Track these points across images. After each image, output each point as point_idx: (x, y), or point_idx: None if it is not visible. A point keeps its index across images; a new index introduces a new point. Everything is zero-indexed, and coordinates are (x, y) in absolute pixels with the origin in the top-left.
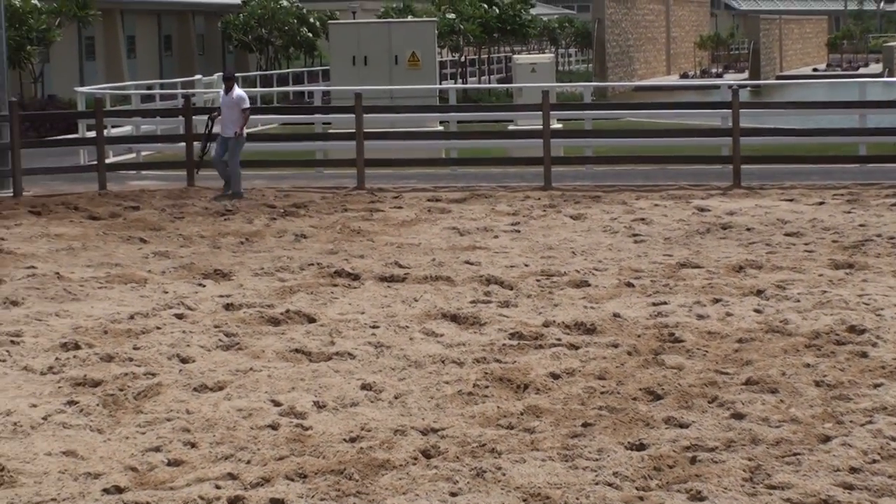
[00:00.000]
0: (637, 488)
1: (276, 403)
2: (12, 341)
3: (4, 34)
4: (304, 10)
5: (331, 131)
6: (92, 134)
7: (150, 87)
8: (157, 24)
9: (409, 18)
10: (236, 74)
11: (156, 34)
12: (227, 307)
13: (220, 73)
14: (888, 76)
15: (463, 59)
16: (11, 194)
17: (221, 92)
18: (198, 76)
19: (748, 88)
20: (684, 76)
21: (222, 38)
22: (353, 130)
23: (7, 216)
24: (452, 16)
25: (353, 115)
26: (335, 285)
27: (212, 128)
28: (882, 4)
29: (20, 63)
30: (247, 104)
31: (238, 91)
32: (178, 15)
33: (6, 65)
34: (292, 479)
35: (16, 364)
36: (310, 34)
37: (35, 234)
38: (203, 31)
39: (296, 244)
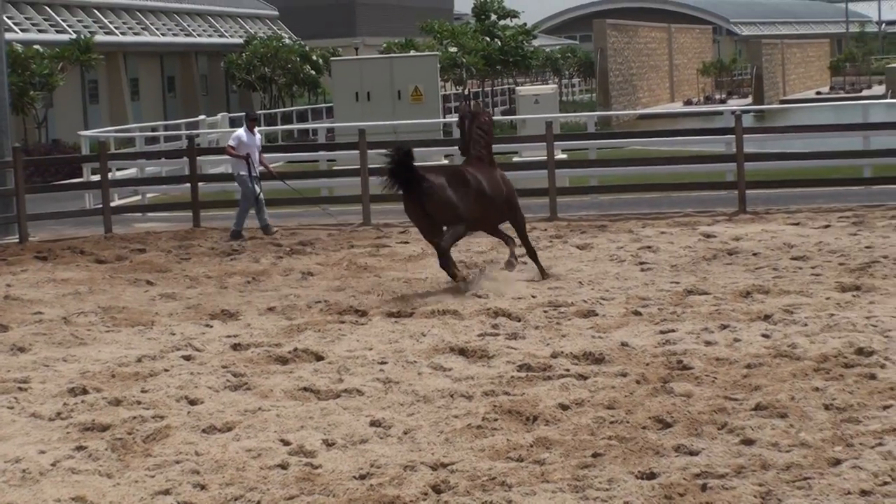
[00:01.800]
0: None
1: (286, 442)
2: (20, 388)
3: (7, 80)
4: (307, 48)
5: (335, 168)
6: (97, 177)
7: (154, 129)
8: (160, 66)
9: (412, 53)
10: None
11: (159, 76)
12: (235, 347)
13: (224, 113)
14: (891, 98)
15: (466, 91)
16: (17, 240)
17: (245, 131)
18: (202, 116)
19: (752, 113)
20: (688, 103)
21: (226, 78)
22: (358, 166)
23: (13, 262)
24: (454, 49)
25: (358, 152)
26: (342, 322)
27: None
28: (884, 26)
29: (24, 108)
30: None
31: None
32: (180, 56)
33: (9, 110)
34: None
35: (24, 411)
36: (313, 71)
37: (41, 279)
38: (206, 72)
39: (302, 282)
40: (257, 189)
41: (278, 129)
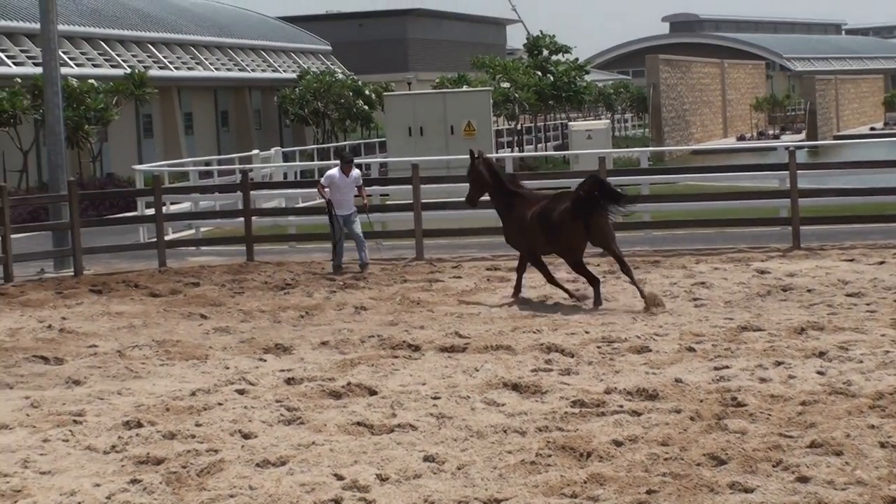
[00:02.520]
0: None
1: (339, 477)
2: (75, 420)
3: (62, 114)
4: (360, 83)
5: (388, 203)
6: (151, 211)
7: (207, 163)
8: (214, 100)
9: (465, 88)
10: (295, 149)
11: (213, 110)
12: (289, 381)
13: (277, 148)
14: None
15: (518, 127)
16: (72, 273)
17: (339, 172)
18: (255, 151)
19: (805, 149)
20: (741, 138)
21: (279, 112)
22: (411, 201)
23: (68, 295)
24: (507, 84)
25: (411, 186)
26: (396, 357)
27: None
28: None
29: (79, 143)
30: (361, 180)
31: (356, 171)
32: (234, 90)
33: (64, 144)
34: None
35: (79, 443)
36: (365, 106)
37: (96, 312)
38: (259, 106)
39: (356, 316)
40: (345, 228)
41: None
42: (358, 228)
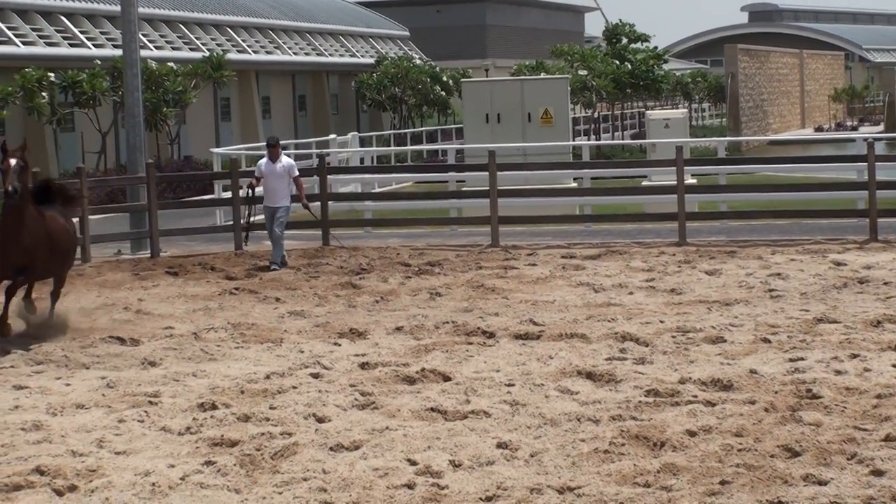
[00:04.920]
0: None
1: (412, 462)
2: (150, 402)
3: (141, 96)
4: (437, 69)
5: (464, 189)
6: (228, 194)
7: (284, 147)
8: (292, 85)
9: (542, 75)
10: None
11: (290, 94)
12: (363, 366)
13: (355, 133)
14: None
15: (596, 115)
16: (149, 255)
17: (266, 159)
18: (332, 136)
19: (884, 141)
20: (819, 129)
21: (356, 98)
22: (487, 188)
23: (145, 277)
24: (584, 72)
25: (487, 173)
26: (470, 343)
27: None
28: None
29: (157, 125)
30: (296, 171)
31: (286, 159)
32: (312, 75)
33: (143, 126)
34: None
35: (154, 424)
36: (443, 92)
37: (172, 294)
38: (337, 91)
39: (430, 302)
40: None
41: (407, 150)
42: (279, 228)
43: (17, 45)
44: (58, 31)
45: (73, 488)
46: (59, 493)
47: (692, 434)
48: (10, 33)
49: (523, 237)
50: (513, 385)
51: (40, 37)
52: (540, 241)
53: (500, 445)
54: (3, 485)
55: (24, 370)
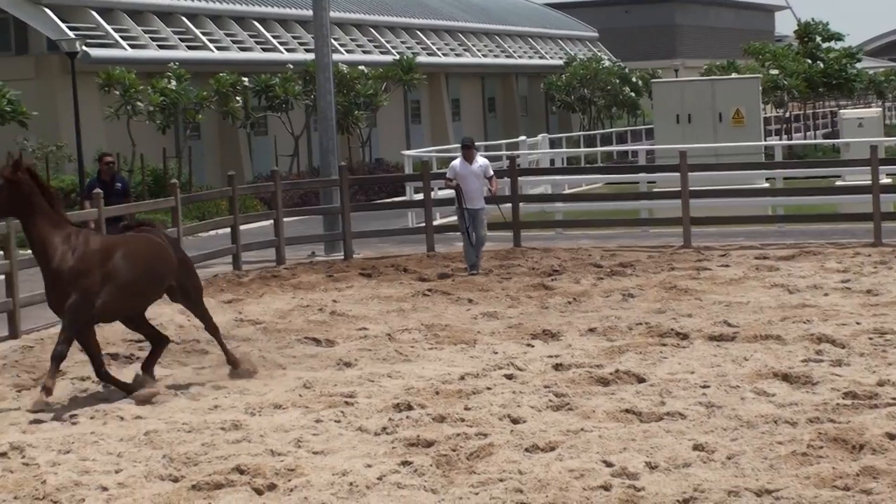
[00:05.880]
0: None
1: (608, 464)
2: (346, 402)
3: (333, 100)
4: (626, 70)
5: (656, 190)
6: (419, 196)
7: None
8: (481, 87)
9: (733, 75)
10: (561, 135)
11: (480, 96)
12: (557, 367)
13: (544, 134)
14: None
15: (787, 114)
16: (343, 257)
17: (460, 160)
18: (522, 137)
19: None
20: None
21: (545, 99)
22: (679, 189)
23: (339, 279)
24: (776, 72)
25: (678, 174)
26: (664, 345)
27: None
28: None
29: (348, 128)
30: (491, 171)
31: (482, 159)
32: (501, 77)
33: (335, 130)
34: None
35: (350, 425)
36: (632, 93)
37: (366, 295)
38: (526, 93)
39: (623, 303)
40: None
41: (597, 151)
42: (481, 229)
43: (212, 51)
44: (251, 36)
45: (272, 487)
46: (259, 492)
47: (892, 437)
48: (204, 39)
49: (715, 238)
50: (708, 387)
51: (234, 42)
52: (732, 241)
53: (696, 447)
54: (205, 483)
55: (222, 371)
